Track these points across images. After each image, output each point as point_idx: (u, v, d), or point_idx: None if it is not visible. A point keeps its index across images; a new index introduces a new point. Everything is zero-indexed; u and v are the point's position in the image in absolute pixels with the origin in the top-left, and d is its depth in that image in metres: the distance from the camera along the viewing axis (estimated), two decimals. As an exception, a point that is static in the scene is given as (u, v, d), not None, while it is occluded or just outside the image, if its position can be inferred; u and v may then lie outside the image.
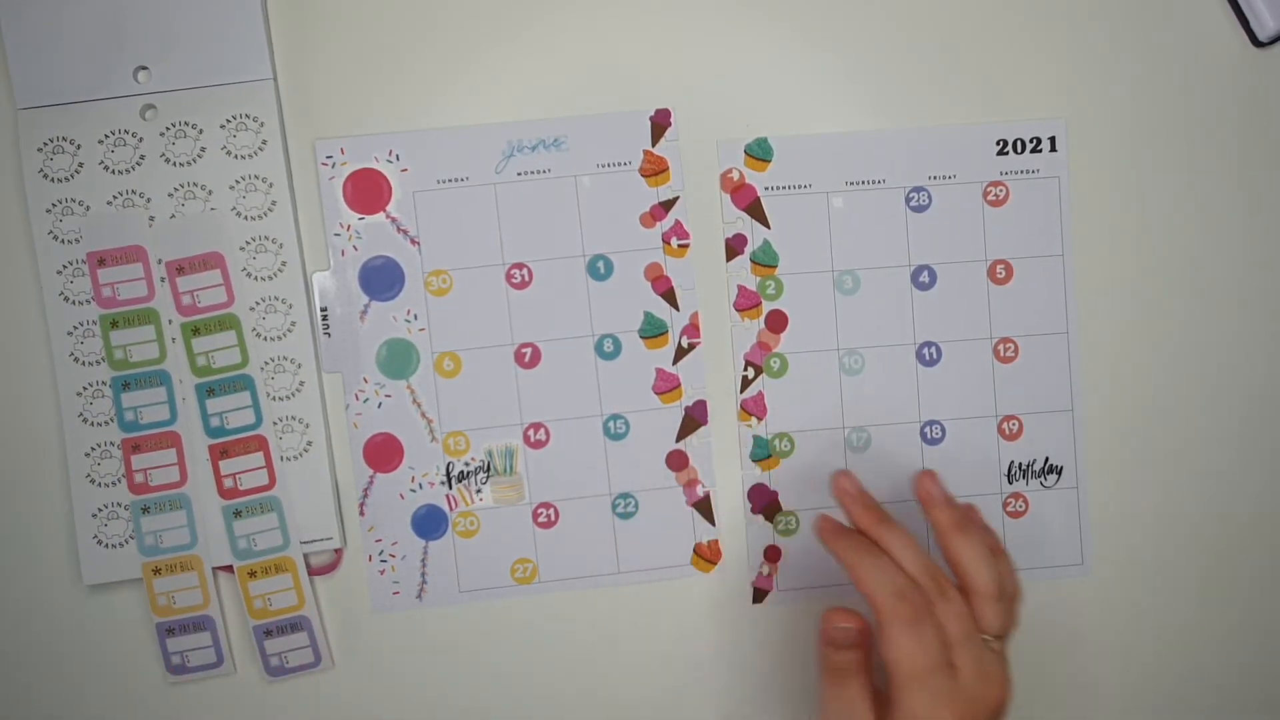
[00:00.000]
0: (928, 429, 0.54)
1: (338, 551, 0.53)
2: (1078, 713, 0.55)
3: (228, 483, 0.51)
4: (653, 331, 0.53)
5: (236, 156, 0.51)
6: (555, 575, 0.54)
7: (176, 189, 0.51)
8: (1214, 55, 0.54)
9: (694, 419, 0.54)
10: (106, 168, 0.50)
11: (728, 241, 0.53)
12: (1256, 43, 0.53)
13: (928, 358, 0.54)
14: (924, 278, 0.54)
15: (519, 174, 0.52)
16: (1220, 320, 0.54)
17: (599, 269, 0.53)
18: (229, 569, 0.52)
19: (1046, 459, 0.54)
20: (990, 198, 0.53)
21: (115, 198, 0.51)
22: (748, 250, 0.53)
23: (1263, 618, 0.56)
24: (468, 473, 0.53)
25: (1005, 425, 0.54)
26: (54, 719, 0.53)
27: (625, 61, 0.52)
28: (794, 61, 0.53)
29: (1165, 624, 0.55)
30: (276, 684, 0.53)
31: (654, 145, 0.53)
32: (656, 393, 0.53)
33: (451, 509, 0.53)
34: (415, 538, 0.53)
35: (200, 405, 0.51)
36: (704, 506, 0.54)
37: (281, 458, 0.51)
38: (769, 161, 0.53)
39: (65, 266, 0.51)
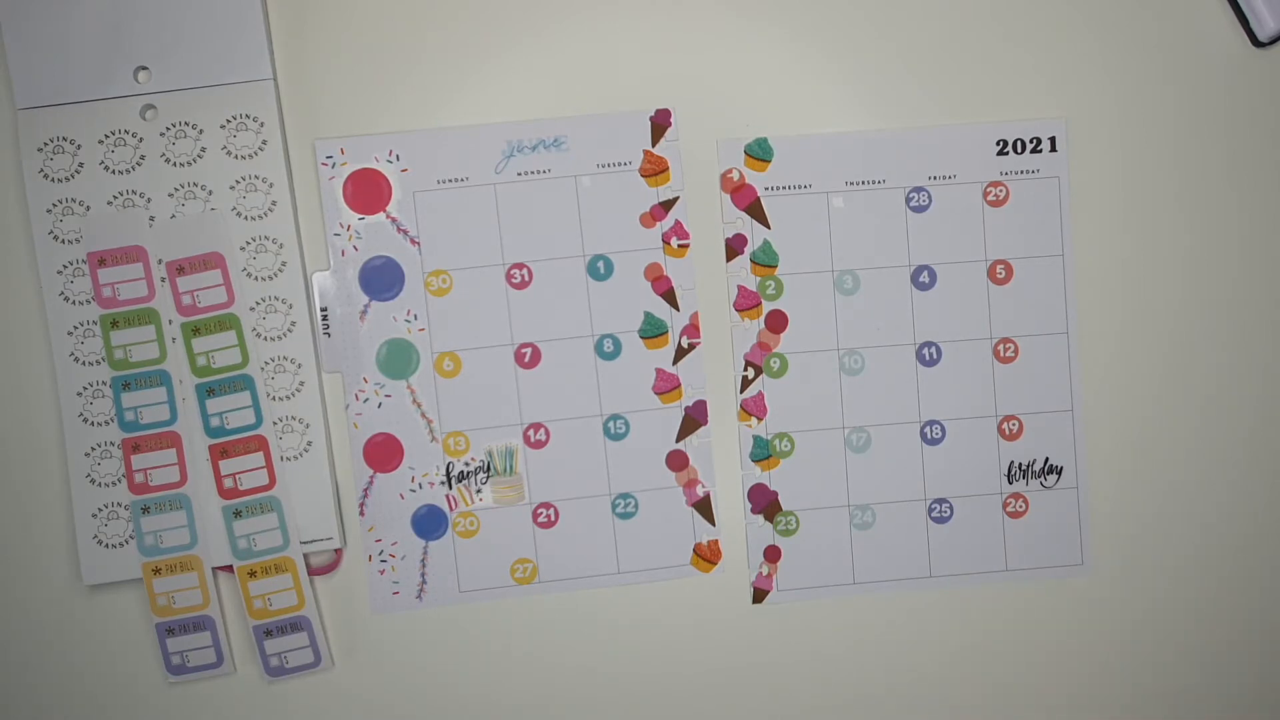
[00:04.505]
0: (928, 429, 0.54)
1: (338, 551, 0.53)
2: (1078, 713, 0.55)
3: (228, 483, 0.51)
4: (653, 331, 0.53)
5: (236, 156, 0.51)
6: (555, 575, 0.54)
7: (176, 189, 0.51)
8: (1214, 55, 0.54)
9: (694, 419, 0.54)
10: (106, 168, 0.50)
11: (728, 241, 0.53)
12: (1256, 43, 0.53)
13: (928, 358, 0.54)
14: (924, 278, 0.54)
15: (519, 174, 0.52)
16: (1220, 320, 0.54)
17: (599, 269, 0.53)
18: (229, 569, 0.52)
19: (1046, 459, 0.54)
20: (990, 198, 0.53)
21: (115, 198, 0.51)
22: (748, 250, 0.53)
23: (1264, 617, 0.56)
24: (468, 473, 0.53)
25: (1005, 425, 0.54)
26: (54, 719, 0.53)
27: (625, 61, 0.52)
28: (794, 61, 0.53)
29: (1165, 624, 0.55)
30: (276, 684, 0.53)
31: (654, 145, 0.53)
32: (656, 393, 0.53)
33: (451, 509, 0.53)
34: (415, 538, 0.53)
35: (200, 405, 0.51)
36: (704, 506, 0.54)
37: (281, 458, 0.51)
38: (769, 161, 0.53)
39: (65, 266, 0.51)
